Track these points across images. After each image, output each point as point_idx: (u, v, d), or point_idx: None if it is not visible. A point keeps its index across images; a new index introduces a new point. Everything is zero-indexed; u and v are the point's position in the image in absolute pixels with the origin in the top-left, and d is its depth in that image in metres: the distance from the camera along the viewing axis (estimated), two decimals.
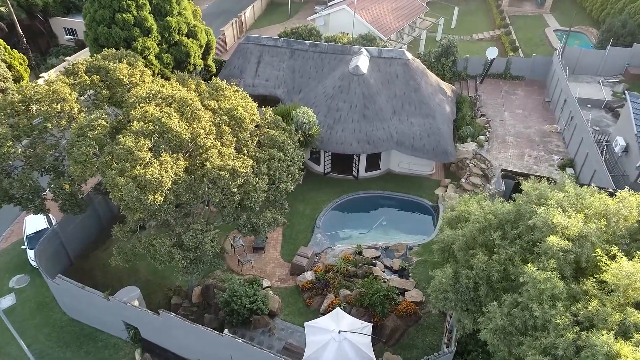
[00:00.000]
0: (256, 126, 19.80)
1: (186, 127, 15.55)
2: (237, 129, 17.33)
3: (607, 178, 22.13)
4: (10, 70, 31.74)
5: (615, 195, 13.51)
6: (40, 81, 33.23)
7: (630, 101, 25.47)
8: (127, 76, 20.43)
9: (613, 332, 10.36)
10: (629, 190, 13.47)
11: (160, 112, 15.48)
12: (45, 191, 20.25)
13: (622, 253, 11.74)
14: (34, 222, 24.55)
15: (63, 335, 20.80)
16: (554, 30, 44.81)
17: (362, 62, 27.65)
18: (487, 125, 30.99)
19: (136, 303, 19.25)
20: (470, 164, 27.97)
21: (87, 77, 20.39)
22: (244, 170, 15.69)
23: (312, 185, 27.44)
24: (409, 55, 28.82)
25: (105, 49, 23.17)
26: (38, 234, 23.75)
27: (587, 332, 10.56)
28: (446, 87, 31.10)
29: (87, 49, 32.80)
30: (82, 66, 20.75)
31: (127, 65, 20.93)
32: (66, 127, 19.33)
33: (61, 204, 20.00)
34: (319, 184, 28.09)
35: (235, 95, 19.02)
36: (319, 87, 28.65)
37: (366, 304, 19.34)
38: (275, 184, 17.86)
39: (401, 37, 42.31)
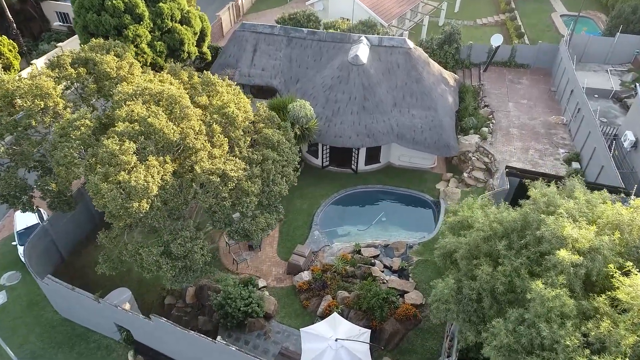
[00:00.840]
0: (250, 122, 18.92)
1: (174, 127, 14.63)
2: (229, 127, 16.43)
3: (615, 175, 21.26)
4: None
5: (629, 196, 12.75)
6: (28, 69, 32.18)
7: None
8: (115, 69, 19.44)
9: (627, 358, 9.71)
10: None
11: (147, 111, 14.59)
12: (32, 189, 19.52)
13: (637, 270, 11.00)
14: (25, 218, 23.80)
15: (55, 336, 20.33)
16: (561, 15, 43.35)
17: (362, 51, 26.56)
18: (491, 116, 30.04)
19: (127, 306, 18.68)
20: (473, 158, 27.12)
21: (72, 70, 19.42)
22: (235, 174, 14.83)
23: (310, 180, 26.58)
24: (411, 44, 27.69)
25: (94, 37, 22.12)
26: (29, 229, 23.00)
27: (598, 357, 9.91)
28: (449, 76, 30.04)
29: None
30: (67, 58, 19.73)
31: (115, 58, 19.92)
32: (51, 122, 18.46)
33: (49, 202, 19.31)
34: (317, 177, 27.26)
35: (228, 90, 18.06)
36: (317, 78, 27.60)
37: (364, 308, 18.74)
38: (269, 186, 16.98)
39: (403, 23, 40.95)
